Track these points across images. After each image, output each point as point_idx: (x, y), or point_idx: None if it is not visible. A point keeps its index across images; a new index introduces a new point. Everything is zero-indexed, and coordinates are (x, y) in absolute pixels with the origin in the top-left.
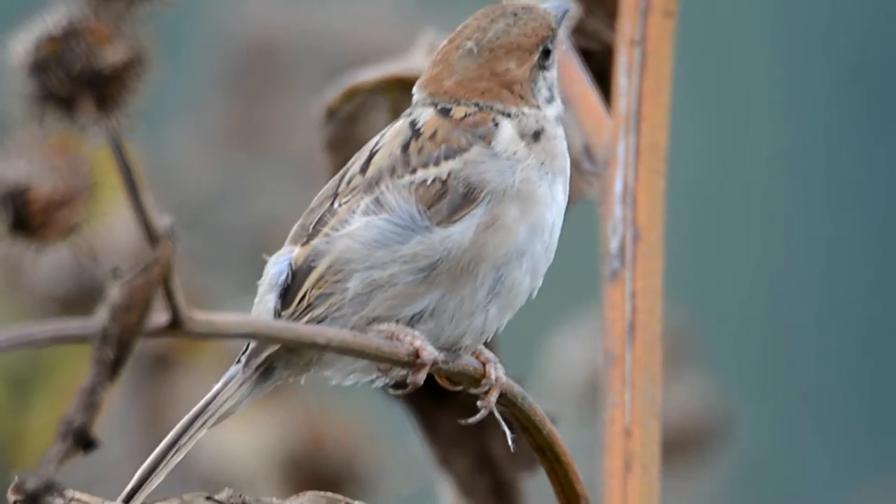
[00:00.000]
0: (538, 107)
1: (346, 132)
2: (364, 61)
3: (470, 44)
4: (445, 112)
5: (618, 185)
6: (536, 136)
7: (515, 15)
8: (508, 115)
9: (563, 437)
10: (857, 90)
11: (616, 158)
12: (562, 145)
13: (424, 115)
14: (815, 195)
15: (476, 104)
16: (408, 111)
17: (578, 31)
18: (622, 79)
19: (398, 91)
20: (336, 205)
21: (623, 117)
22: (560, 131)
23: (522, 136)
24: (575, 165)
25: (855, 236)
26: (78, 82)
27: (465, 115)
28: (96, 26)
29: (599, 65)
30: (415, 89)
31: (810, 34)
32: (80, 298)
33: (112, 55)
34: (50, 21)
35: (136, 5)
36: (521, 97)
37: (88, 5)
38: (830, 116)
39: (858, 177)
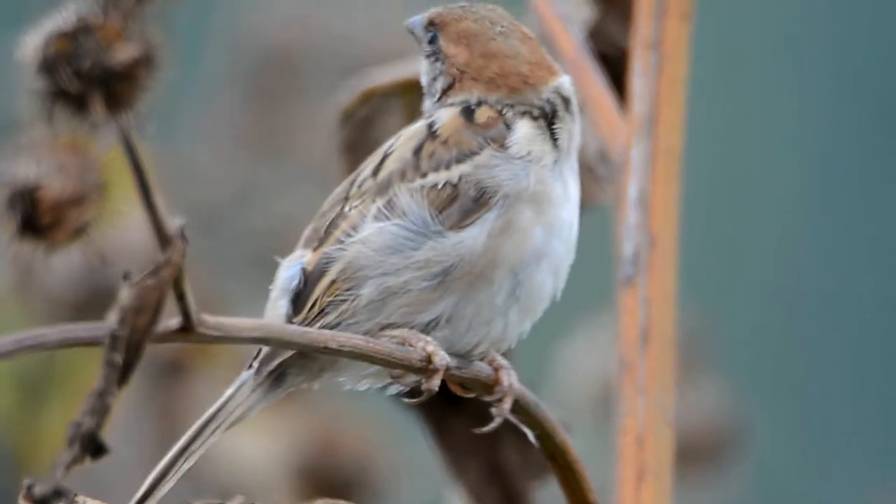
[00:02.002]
0: (557, 72)
1: (361, 135)
2: (381, 63)
3: (498, 28)
4: (469, 113)
5: (632, 191)
6: (567, 102)
7: (463, 6)
8: (529, 113)
9: (576, 444)
10: (874, 94)
11: (631, 163)
12: (578, 125)
13: (444, 115)
14: (831, 199)
15: (500, 104)
16: (429, 111)
17: (594, 34)
18: (637, 82)
19: (413, 94)
20: (347, 208)
21: (638, 121)
22: (575, 107)
23: (553, 115)
24: (589, 170)
25: (873, 241)
26: (88, 80)
27: (487, 119)
28: (107, 23)
29: (615, 68)
30: (475, 94)
31: (826, 38)
32: (93, 301)
33: (122, 53)
34: (60, 18)
35: (146, 3)
36: (552, 63)
37: (99, 2)
38: (848, 120)
39: (876, 180)
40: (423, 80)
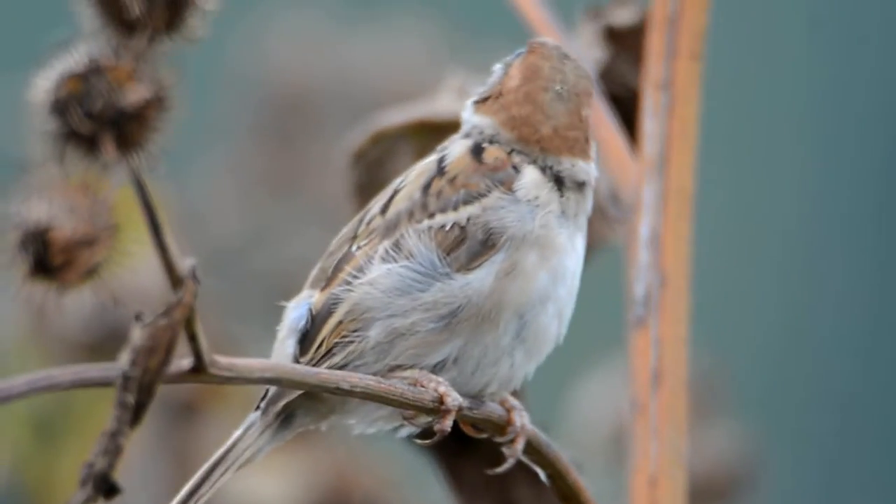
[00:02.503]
0: (592, 160)
1: (372, 176)
2: (392, 104)
3: (558, 87)
4: (478, 151)
5: (644, 230)
6: (581, 186)
7: (567, 57)
8: (535, 162)
9: (589, 485)
10: (886, 132)
11: (642, 203)
12: (591, 203)
13: (455, 151)
14: (844, 239)
15: (508, 146)
16: (443, 145)
17: (605, 75)
18: (648, 123)
19: (424, 135)
20: (354, 248)
21: (649, 161)
22: (590, 192)
23: (559, 183)
24: (601, 210)
25: (887, 281)
26: (99, 121)
27: (495, 159)
28: (118, 64)
29: (626, 109)
30: (492, 124)
31: (837, 75)
32: (105, 342)
33: (133, 94)
34: (71, 59)
35: (157, 43)
36: (589, 148)
37: (110, 43)
38: (860, 158)
39: (890, 219)
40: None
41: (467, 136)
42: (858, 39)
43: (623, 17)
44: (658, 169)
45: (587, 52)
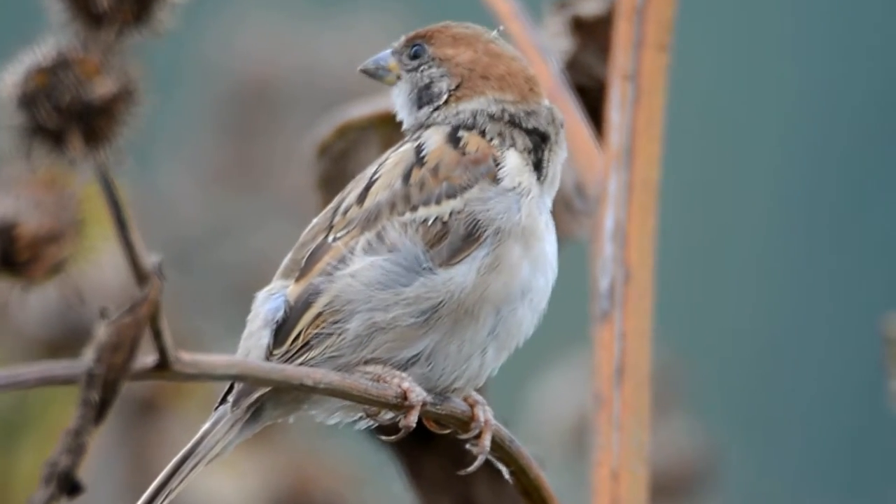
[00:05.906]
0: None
1: (338, 169)
2: (357, 96)
3: (491, 34)
4: (456, 141)
5: (609, 223)
6: (560, 127)
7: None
8: (514, 146)
9: (551, 480)
10: (857, 119)
11: (607, 195)
12: (564, 153)
13: (433, 140)
14: (806, 234)
15: (490, 133)
16: (417, 133)
17: (572, 66)
18: (615, 114)
19: (390, 127)
20: (330, 238)
21: (615, 153)
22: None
23: (544, 140)
24: (565, 203)
25: (846, 276)
26: (66, 115)
27: (476, 150)
28: (85, 58)
29: (592, 100)
30: (490, 100)
31: (807, 69)
32: (69, 339)
33: (101, 87)
34: (39, 52)
35: (125, 37)
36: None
37: (77, 37)
38: (827, 145)
39: (850, 216)
40: (406, 96)
41: (443, 123)
42: (828, 28)
43: (590, 7)
44: (624, 160)
45: (554, 42)
